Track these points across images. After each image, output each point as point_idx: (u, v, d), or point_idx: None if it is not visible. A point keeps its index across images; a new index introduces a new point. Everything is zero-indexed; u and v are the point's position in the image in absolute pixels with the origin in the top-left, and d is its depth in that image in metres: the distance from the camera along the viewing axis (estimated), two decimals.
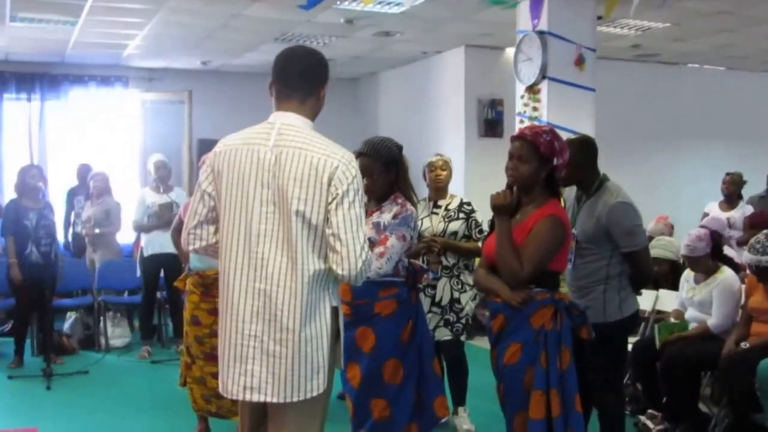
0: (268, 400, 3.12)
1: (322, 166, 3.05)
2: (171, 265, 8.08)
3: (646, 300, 6.76)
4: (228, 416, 5.76)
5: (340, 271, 3.05)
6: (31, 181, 8.35)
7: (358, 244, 3.04)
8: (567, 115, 7.87)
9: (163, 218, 8.60)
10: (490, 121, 10.87)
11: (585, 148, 4.74)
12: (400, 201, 4.37)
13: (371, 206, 4.40)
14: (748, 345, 5.49)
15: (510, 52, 9.21)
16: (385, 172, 4.40)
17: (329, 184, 3.04)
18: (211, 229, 3.29)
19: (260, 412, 3.31)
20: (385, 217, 4.30)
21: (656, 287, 6.89)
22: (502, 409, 4.04)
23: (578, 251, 4.60)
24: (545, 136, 3.96)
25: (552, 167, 3.97)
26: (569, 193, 4.97)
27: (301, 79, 3.25)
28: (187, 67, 12.63)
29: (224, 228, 3.18)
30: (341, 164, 3.07)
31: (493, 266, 4.02)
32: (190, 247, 3.37)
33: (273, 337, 3.08)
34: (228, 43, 10.85)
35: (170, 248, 6.97)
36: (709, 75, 13.11)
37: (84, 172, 10.65)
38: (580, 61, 8.07)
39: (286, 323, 3.06)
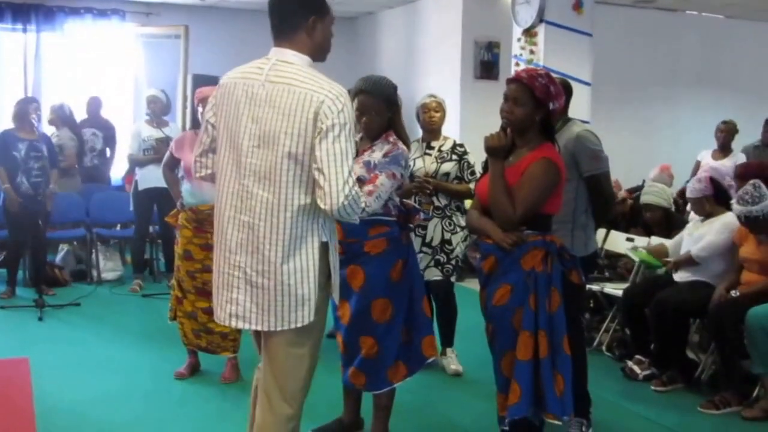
0: (252, 327, 3.23)
1: (309, 100, 3.05)
2: (164, 199, 8.09)
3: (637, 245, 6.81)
4: (217, 351, 5.82)
5: (323, 206, 3.06)
6: (32, 113, 8.29)
7: (341, 179, 3.03)
8: (564, 59, 7.85)
9: (161, 152, 8.55)
10: (486, 63, 10.81)
11: (567, 90, 4.79)
12: (391, 140, 4.35)
13: (364, 144, 4.39)
14: (738, 293, 5.55)
15: None
16: (384, 110, 4.39)
17: (315, 119, 3.04)
18: (214, 158, 3.35)
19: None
20: (376, 155, 4.28)
21: (649, 234, 6.94)
22: (490, 349, 4.08)
23: None
24: (541, 80, 3.95)
25: (547, 111, 3.97)
26: None
27: (283, 12, 3.24)
28: (184, 2, 12.52)
29: (219, 159, 3.26)
30: (327, 98, 3.05)
31: (485, 208, 4.03)
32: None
33: (255, 269, 3.14)
34: None
35: (164, 183, 7.00)
36: (708, 23, 13.00)
37: (93, 105, 10.63)
38: (578, 6, 8.03)
39: (268, 255, 3.11)
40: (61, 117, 9.96)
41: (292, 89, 3.07)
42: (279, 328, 3.18)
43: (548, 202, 3.95)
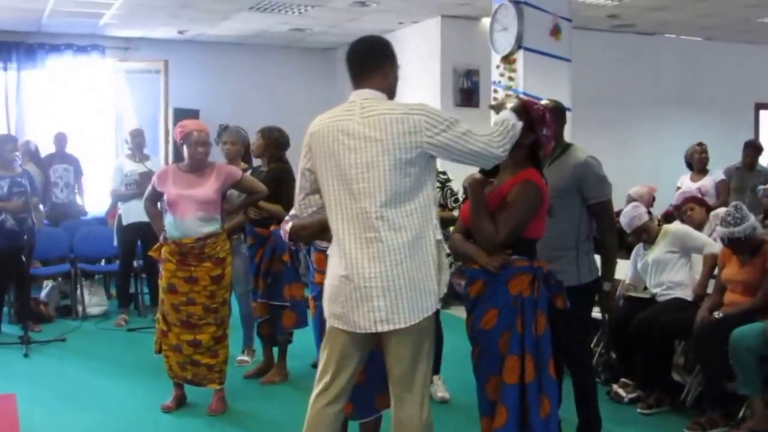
0: (395, 327, 3.56)
1: (405, 121, 3.50)
2: (148, 233, 8.06)
3: (620, 269, 6.83)
4: (204, 383, 5.82)
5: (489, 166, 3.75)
6: (7, 155, 8.27)
7: (480, 144, 3.59)
8: (543, 85, 7.89)
9: (143, 186, 8.54)
10: (465, 90, 10.89)
11: (559, 114, 4.81)
12: None
13: None
14: (721, 314, 5.58)
15: (486, 22, 9.20)
16: None
17: (417, 133, 3.49)
18: (316, 197, 3.81)
19: (351, 356, 3.73)
20: None
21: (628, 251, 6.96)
22: (474, 373, 4.08)
23: (548, 211, 4.66)
24: (540, 106, 4.03)
25: (536, 138, 4.00)
26: None
27: (365, 59, 3.75)
28: (163, 36, 12.57)
29: (329, 193, 3.66)
30: (419, 114, 3.52)
31: (468, 232, 4.05)
32: (305, 214, 3.94)
33: (389, 275, 3.52)
34: (204, 12, 10.81)
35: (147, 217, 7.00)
36: (686, 45, 13.16)
37: (61, 140, 10.66)
38: (556, 31, 8.09)
39: (396, 259, 3.52)
40: (28, 153, 9.95)
41: (386, 117, 3.52)
42: (414, 322, 3.55)
43: (531, 225, 3.96)
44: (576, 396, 4.96)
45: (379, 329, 3.57)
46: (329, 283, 3.71)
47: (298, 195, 3.89)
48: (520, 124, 3.80)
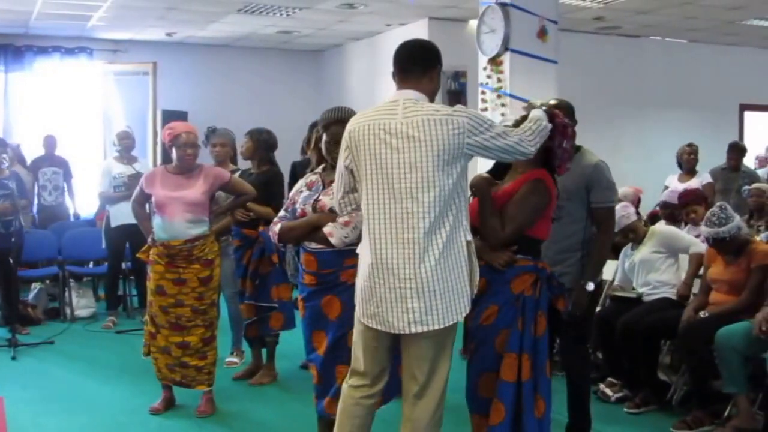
0: (429, 329, 3.60)
1: (448, 122, 3.56)
2: (136, 235, 8.07)
3: (607, 269, 6.88)
4: (192, 385, 5.82)
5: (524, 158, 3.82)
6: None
7: (513, 140, 3.66)
8: (530, 86, 7.90)
9: (132, 189, 8.54)
10: (453, 92, 10.90)
11: (571, 114, 4.79)
12: None
13: (330, 175, 4.40)
14: (706, 314, 5.62)
15: (473, 24, 9.23)
16: None
17: (459, 135, 3.56)
18: (355, 195, 3.87)
19: (383, 350, 3.82)
20: None
21: (617, 256, 7.01)
22: (467, 369, 4.10)
23: (555, 212, 4.68)
24: (563, 120, 4.04)
25: (551, 147, 4.00)
26: None
27: (413, 60, 3.78)
28: (151, 38, 12.58)
29: (367, 193, 3.69)
30: (461, 117, 3.58)
31: (476, 229, 4.09)
32: (344, 213, 4.04)
33: (424, 276, 3.55)
34: (192, 14, 10.82)
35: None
36: (671, 47, 13.23)
37: (51, 143, 10.65)
38: (542, 33, 8.11)
39: (433, 260, 3.56)
40: (16, 155, 9.95)
41: (431, 118, 3.57)
42: (450, 323, 3.62)
43: (537, 225, 4.00)
44: (569, 396, 4.99)
45: (413, 330, 3.61)
46: (362, 283, 3.74)
47: (337, 193, 3.95)
48: (549, 126, 3.87)
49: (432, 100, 3.79)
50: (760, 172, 10.94)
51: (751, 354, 5.25)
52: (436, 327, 3.60)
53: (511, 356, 3.88)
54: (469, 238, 3.68)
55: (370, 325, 3.73)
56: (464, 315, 3.68)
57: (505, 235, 3.94)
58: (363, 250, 3.76)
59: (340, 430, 3.89)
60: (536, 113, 3.90)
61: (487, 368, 3.96)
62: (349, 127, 3.79)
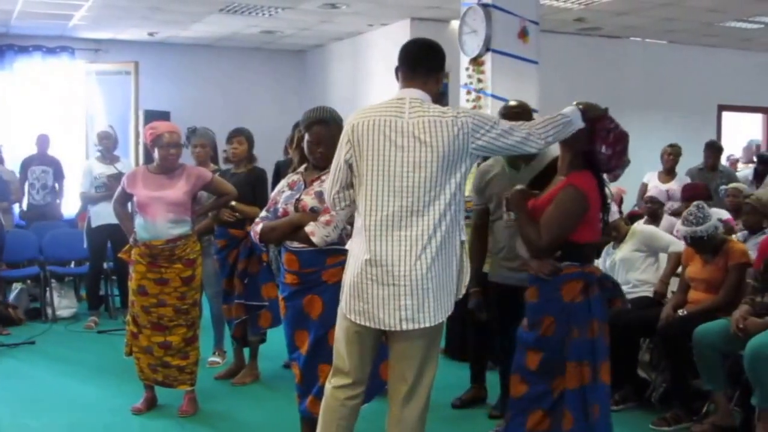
0: (420, 326, 3.62)
1: (453, 124, 3.59)
2: (118, 235, 8.06)
3: None
4: (174, 385, 5.82)
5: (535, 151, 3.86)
6: None
7: (520, 136, 3.68)
8: (511, 87, 7.96)
9: (113, 189, 8.53)
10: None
11: (527, 114, 4.86)
12: None
13: (311, 175, 4.44)
14: (685, 312, 5.68)
15: (455, 24, 9.27)
16: (338, 140, 4.45)
17: (464, 136, 3.58)
18: (351, 192, 3.81)
19: (368, 349, 3.84)
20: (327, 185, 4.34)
21: (598, 256, 7.06)
22: (540, 377, 4.05)
23: None
24: (606, 125, 4.04)
25: (593, 151, 4.00)
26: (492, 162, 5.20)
27: (421, 61, 3.81)
28: (133, 38, 12.57)
29: (367, 188, 3.68)
30: (466, 118, 3.61)
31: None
32: (337, 208, 3.93)
33: (419, 275, 3.58)
34: (174, 14, 10.82)
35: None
36: (651, 48, 13.32)
37: (43, 142, 10.63)
38: (523, 34, 8.16)
39: (428, 259, 3.58)
40: None
41: (437, 120, 3.60)
42: (440, 321, 3.66)
43: (579, 230, 3.98)
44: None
45: (405, 327, 3.62)
46: (351, 279, 3.73)
47: (332, 188, 3.87)
48: (574, 123, 3.85)
49: (435, 101, 3.79)
50: (741, 173, 11.03)
51: (729, 351, 5.30)
52: (427, 324, 3.62)
53: (571, 365, 3.91)
54: (464, 238, 3.71)
55: (357, 321, 3.73)
56: (449, 314, 3.69)
57: (543, 244, 3.95)
58: (355, 246, 3.76)
59: (325, 431, 3.89)
60: (567, 109, 3.89)
61: (559, 374, 3.97)
62: (352, 121, 3.77)
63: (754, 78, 14.15)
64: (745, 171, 11.45)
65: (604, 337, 3.99)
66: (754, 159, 12.04)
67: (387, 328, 3.66)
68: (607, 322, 4.02)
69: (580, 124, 3.88)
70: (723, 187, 8.25)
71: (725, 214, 6.72)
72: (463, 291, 3.76)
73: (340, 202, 3.89)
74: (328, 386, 3.92)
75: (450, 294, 3.67)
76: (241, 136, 6.56)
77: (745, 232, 6.36)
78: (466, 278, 3.77)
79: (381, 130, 3.64)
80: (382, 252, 3.61)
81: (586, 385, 3.91)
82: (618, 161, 4.09)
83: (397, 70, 3.86)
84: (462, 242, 3.70)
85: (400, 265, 3.58)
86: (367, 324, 3.70)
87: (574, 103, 3.98)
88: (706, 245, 5.65)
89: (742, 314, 5.20)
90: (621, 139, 4.09)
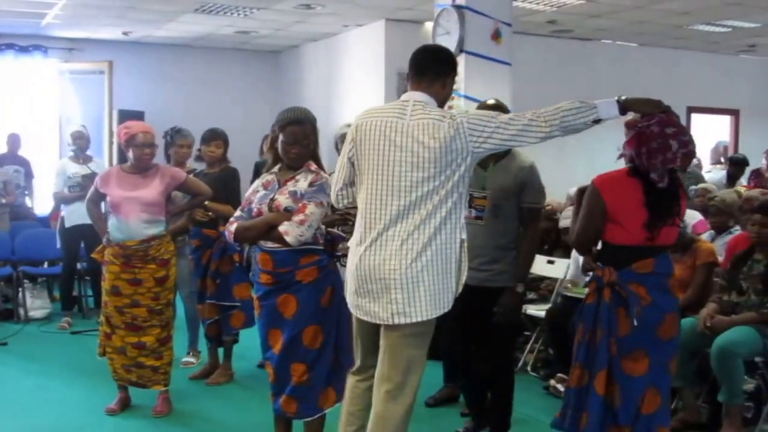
0: (411, 320, 3.70)
1: (452, 127, 3.64)
2: (91, 236, 8.04)
3: (558, 268, 7.02)
4: (148, 385, 5.83)
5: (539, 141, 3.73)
6: None
7: (520, 125, 3.65)
8: (484, 88, 8.00)
9: (87, 189, 8.51)
10: None
11: (504, 112, 4.90)
12: (313, 169, 4.43)
13: (285, 175, 4.45)
14: None
15: (429, 26, 9.31)
16: (312, 140, 4.47)
17: (463, 137, 3.64)
18: (353, 189, 3.94)
19: (370, 341, 3.94)
20: (301, 185, 4.35)
21: (569, 255, 7.12)
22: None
23: (493, 211, 4.78)
24: (645, 128, 4.10)
25: (632, 154, 4.03)
26: None
27: (429, 64, 3.88)
28: (107, 37, 12.53)
29: (367, 187, 3.80)
30: (467, 119, 3.67)
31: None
32: (339, 205, 4.11)
33: (414, 271, 3.66)
34: (149, 14, 10.79)
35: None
36: (621, 51, 13.45)
37: (14, 141, 10.58)
38: (496, 36, 8.21)
39: (425, 258, 3.66)
40: None
41: (437, 123, 3.67)
42: (434, 316, 3.72)
43: (607, 229, 3.98)
44: (492, 407, 5.15)
45: (396, 321, 3.71)
46: (351, 275, 3.84)
47: (335, 185, 4.00)
48: (599, 112, 3.78)
49: (441, 106, 3.87)
50: (710, 175, 11.12)
51: (697, 349, 5.39)
52: (418, 319, 3.69)
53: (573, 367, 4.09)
54: (463, 236, 3.77)
55: (357, 315, 3.88)
56: (446, 310, 3.75)
57: (572, 240, 4.16)
58: (354, 242, 3.86)
59: (344, 407, 4.09)
60: (599, 101, 3.82)
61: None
62: (356, 121, 3.89)
63: (721, 80, 14.35)
64: (714, 172, 11.56)
65: (605, 348, 3.95)
66: (722, 160, 12.20)
67: (380, 322, 3.76)
68: (616, 333, 3.94)
69: (612, 114, 3.86)
70: (692, 187, 8.34)
71: (697, 216, 6.79)
72: (461, 288, 3.80)
73: (342, 200, 4.02)
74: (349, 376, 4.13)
75: (448, 291, 3.73)
76: (219, 140, 6.60)
77: (712, 232, 6.45)
78: (464, 276, 3.81)
79: (382, 130, 3.75)
80: (381, 249, 3.70)
81: (581, 387, 4.03)
82: (648, 161, 3.91)
83: (406, 76, 3.96)
84: (462, 240, 3.75)
85: (392, 261, 3.67)
86: (364, 318, 3.83)
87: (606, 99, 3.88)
88: (675, 245, 5.71)
89: (710, 312, 5.30)
90: (649, 139, 3.97)
